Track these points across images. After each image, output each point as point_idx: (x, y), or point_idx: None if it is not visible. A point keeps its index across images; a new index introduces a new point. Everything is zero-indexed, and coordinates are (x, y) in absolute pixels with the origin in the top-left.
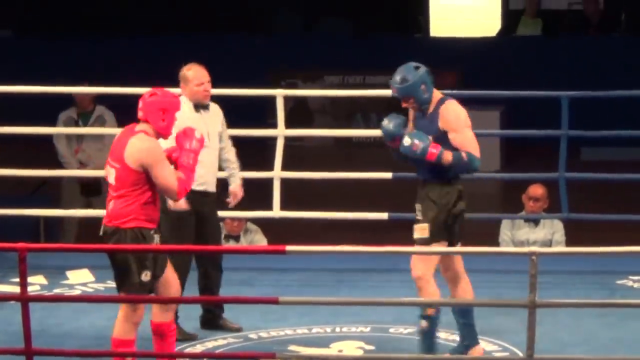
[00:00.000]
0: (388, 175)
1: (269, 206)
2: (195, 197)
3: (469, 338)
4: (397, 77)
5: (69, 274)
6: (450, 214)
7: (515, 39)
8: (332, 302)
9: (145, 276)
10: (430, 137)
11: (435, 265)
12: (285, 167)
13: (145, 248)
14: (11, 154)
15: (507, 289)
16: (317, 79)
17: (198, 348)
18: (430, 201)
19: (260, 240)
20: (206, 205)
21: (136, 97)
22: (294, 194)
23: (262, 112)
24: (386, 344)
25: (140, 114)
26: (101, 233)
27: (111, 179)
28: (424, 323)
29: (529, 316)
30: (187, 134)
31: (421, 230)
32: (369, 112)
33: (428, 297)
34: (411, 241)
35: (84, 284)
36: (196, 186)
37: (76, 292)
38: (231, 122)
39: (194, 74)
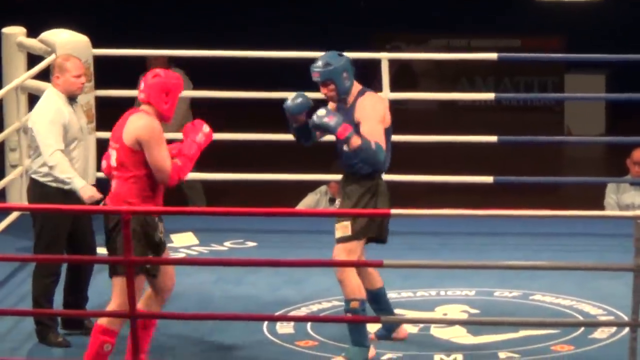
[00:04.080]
0: (493, 138)
1: None
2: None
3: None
4: (320, 62)
5: (173, 237)
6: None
7: (622, 2)
8: (437, 266)
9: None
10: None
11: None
12: None
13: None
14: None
15: (612, 253)
16: (422, 42)
17: (303, 311)
18: (347, 198)
19: None
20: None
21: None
22: (398, 158)
23: (367, 76)
24: (491, 308)
25: (141, 96)
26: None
27: (112, 161)
28: (355, 304)
29: (635, 280)
30: (196, 126)
31: (343, 229)
32: (474, 75)
33: (351, 289)
34: (516, 204)
35: (188, 247)
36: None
37: (180, 255)
38: None
39: (73, 64)
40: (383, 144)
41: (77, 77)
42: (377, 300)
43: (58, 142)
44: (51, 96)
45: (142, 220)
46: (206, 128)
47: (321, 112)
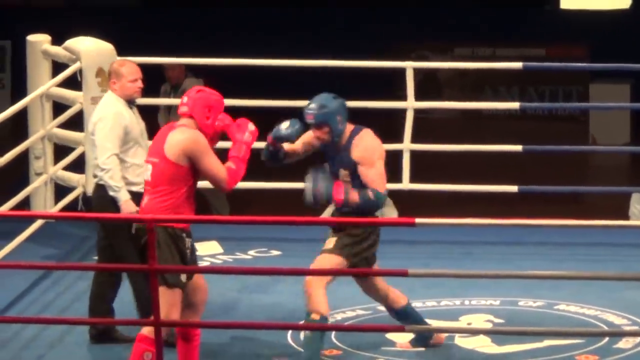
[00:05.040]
0: (518, 147)
1: (398, 178)
2: (136, 198)
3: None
4: (314, 104)
5: (197, 245)
6: (361, 246)
7: None
8: (461, 275)
9: (184, 276)
10: (344, 171)
11: (330, 279)
12: (414, 139)
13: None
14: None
15: (636, 263)
16: (447, 51)
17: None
18: (344, 234)
19: (391, 213)
20: None
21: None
22: (423, 166)
23: (391, 84)
24: (515, 317)
25: (184, 109)
26: (133, 230)
27: (147, 175)
28: (315, 316)
29: None
30: (241, 126)
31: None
32: (498, 84)
33: (315, 303)
34: (541, 214)
35: (213, 256)
36: (138, 188)
37: (205, 263)
38: (360, 94)
39: (128, 69)
40: (384, 184)
41: (134, 82)
42: (407, 316)
43: (115, 146)
44: (111, 100)
45: (172, 232)
46: (251, 126)
47: (307, 186)
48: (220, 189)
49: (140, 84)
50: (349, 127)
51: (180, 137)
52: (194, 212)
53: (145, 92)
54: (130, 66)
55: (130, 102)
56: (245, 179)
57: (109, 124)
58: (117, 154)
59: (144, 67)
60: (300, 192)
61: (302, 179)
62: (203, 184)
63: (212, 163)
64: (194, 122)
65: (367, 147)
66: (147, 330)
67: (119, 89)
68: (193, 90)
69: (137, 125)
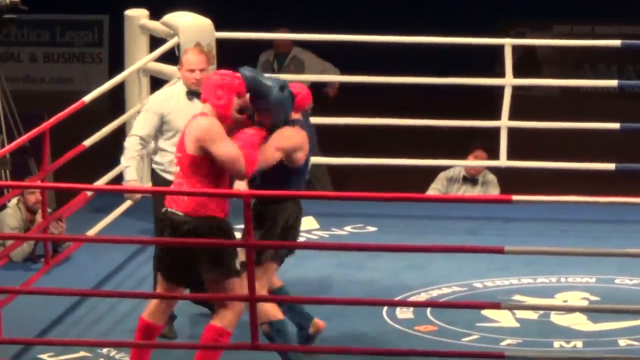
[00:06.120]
0: (616, 125)
1: (495, 156)
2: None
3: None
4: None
5: None
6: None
7: None
8: (558, 252)
9: (238, 264)
10: None
11: (269, 282)
12: (512, 116)
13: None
14: None
15: None
16: (546, 28)
17: (422, 296)
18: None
19: (493, 192)
20: None
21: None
22: (521, 144)
23: (490, 61)
24: (611, 295)
25: (202, 95)
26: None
27: (177, 168)
28: (265, 327)
29: None
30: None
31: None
32: (598, 62)
33: (266, 311)
34: (639, 192)
35: (309, 232)
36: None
37: (301, 239)
38: (459, 71)
39: (187, 58)
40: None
41: (191, 72)
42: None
43: (142, 128)
44: (172, 85)
45: (214, 222)
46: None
47: None
48: (239, 177)
49: (197, 75)
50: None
51: (194, 127)
52: (228, 202)
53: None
54: (191, 55)
55: (191, 92)
56: (347, 154)
57: (146, 106)
58: (141, 136)
59: (240, 43)
60: (403, 168)
61: (402, 155)
62: None
63: (227, 149)
64: (210, 107)
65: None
66: (221, 322)
67: (180, 76)
68: (211, 74)
69: (189, 116)
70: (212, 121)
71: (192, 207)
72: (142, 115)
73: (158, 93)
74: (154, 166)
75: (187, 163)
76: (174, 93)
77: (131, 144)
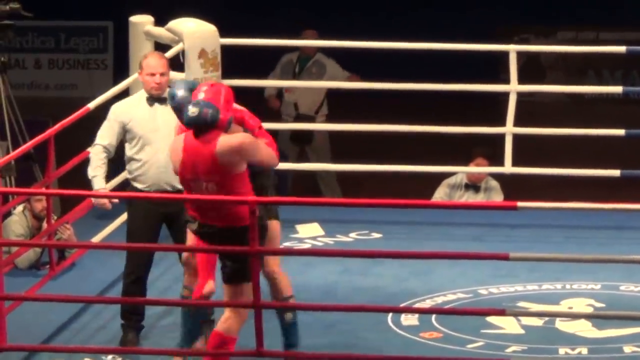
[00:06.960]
0: (621, 132)
1: (500, 162)
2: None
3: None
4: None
5: (299, 227)
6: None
7: None
8: (563, 259)
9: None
10: None
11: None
12: (516, 122)
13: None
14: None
15: None
16: (550, 34)
17: (427, 303)
18: None
19: (496, 199)
20: (170, 205)
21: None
22: (526, 150)
23: (494, 68)
24: (616, 302)
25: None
26: (200, 229)
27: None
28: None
29: None
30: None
31: None
32: (602, 68)
33: (284, 287)
34: None
35: (314, 238)
36: (142, 186)
37: (306, 245)
38: (463, 77)
39: (147, 62)
40: None
41: (151, 76)
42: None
43: (103, 137)
44: (136, 93)
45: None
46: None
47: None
48: (274, 166)
49: (157, 79)
50: None
51: (224, 150)
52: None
53: (252, 75)
54: (151, 59)
55: (153, 98)
56: (354, 160)
57: (108, 116)
58: (104, 145)
59: (244, 49)
60: (403, 175)
61: (407, 162)
62: (303, 166)
63: (263, 153)
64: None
65: None
66: (225, 329)
67: (142, 82)
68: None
69: (150, 123)
70: (240, 134)
71: (230, 221)
72: (104, 124)
73: (120, 102)
74: (127, 176)
75: (234, 182)
76: (134, 101)
77: (95, 154)
